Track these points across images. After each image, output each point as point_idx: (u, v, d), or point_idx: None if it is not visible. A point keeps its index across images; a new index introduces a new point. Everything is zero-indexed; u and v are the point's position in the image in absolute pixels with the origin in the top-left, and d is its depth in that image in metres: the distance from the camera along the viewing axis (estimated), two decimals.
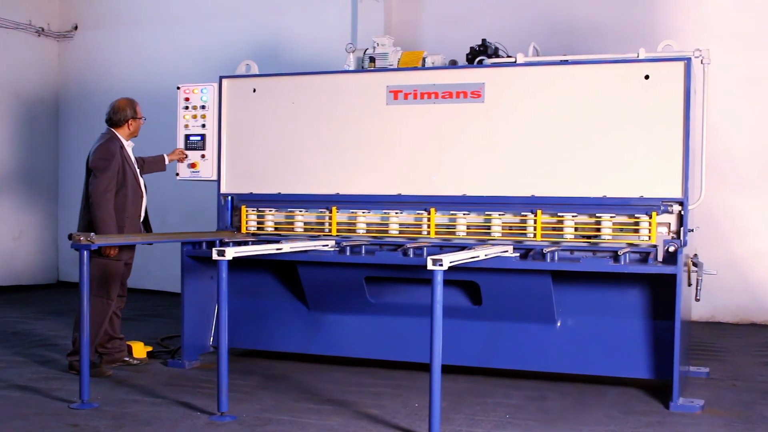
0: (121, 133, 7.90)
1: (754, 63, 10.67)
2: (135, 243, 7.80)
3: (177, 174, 8.46)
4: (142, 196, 7.93)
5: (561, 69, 7.33)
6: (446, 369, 6.07)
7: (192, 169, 8.37)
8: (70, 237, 6.70)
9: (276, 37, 12.56)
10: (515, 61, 7.53)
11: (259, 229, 8.15)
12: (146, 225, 8.10)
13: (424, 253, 7.37)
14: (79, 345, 7.62)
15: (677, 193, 6.91)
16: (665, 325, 6.97)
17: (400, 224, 7.70)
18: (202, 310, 8.22)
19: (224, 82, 8.30)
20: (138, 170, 7.96)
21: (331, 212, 7.87)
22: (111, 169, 7.65)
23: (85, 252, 6.61)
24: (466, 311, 7.57)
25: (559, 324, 7.38)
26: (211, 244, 7.86)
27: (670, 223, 7.00)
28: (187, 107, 8.39)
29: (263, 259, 7.70)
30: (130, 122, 7.94)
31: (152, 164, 8.33)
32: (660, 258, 6.93)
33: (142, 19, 13.92)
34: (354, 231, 7.81)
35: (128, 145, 7.93)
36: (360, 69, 8.10)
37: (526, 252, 7.27)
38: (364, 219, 7.79)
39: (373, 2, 11.85)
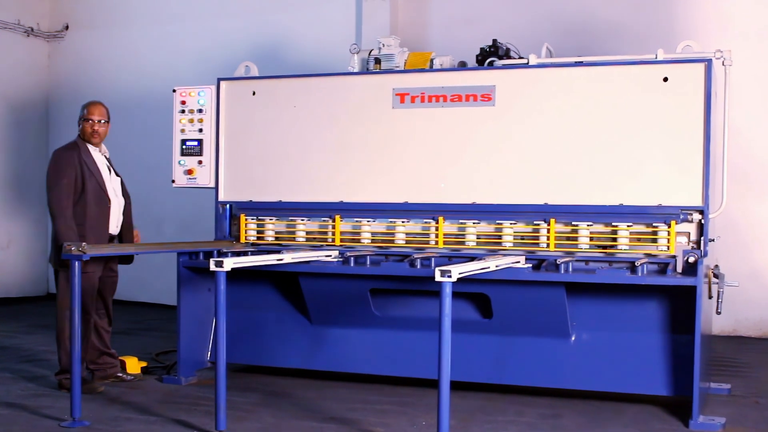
0: (83, 138, 7.89)
1: None
2: (128, 254, 7.82)
3: (173, 181, 8.48)
4: (107, 205, 7.82)
5: (576, 71, 7.35)
6: (455, 385, 6.08)
7: (189, 176, 8.39)
8: (60, 247, 6.73)
9: (277, 37, 12.60)
10: (527, 63, 7.55)
11: (258, 238, 8.17)
12: (126, 236, 8.07)
13: (432, 264, 7.38)
14: (65, 363, 7.66)
15: (697, 201, 6.93)
16: (685, 340, 6.98)
17: (407, 234, 7.72)
18: (199, 324, 8.25)
19: (222, 84, 8.33)
20: (107, 177, 7.87)
21: (334, 221, 7.90)
22: (62, 179, 7.60)
23: (77, 263, 6.64)
24: (475, 325, 7.59)
25: (573, 338, 7.39)
26: (208, 255, 7.89)
27: (689, 233, 7.02)
28: (183, 111, 8.42)
29: (263, 271, 7.72)
30: (82, 125, 7.91)
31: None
32: (679, 269, 6.94)
33: (136, 18, 13.97)
34: (358, 241, 7.83)
35: (94, 150, 7.87)
36: (365, 71, 8.13)
37: (538, 263, 7.28)
38: (369, 228, 7.81)
39: (379, 1, 11.88)
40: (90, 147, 7.84)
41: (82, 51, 14.43)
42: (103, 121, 7.91)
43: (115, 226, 7.92)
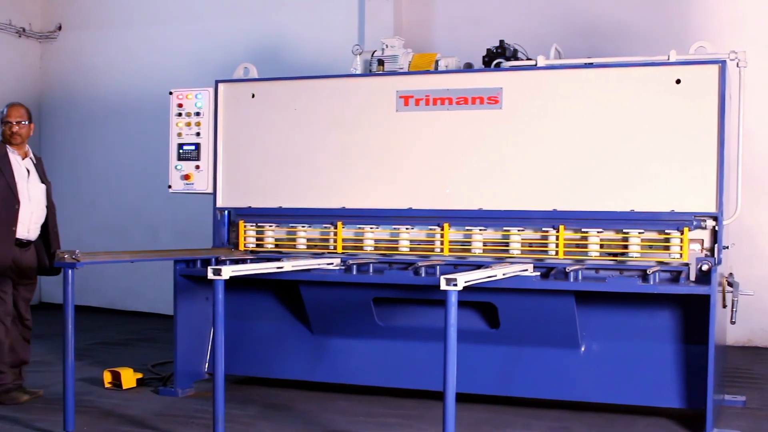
0: (3, 140, 7.88)
1: None
2: (122, 261, 7.82)
3: (169, 186, 8.49)
4: (15, 207, 7.68)
5: (585, 73, 7.37)
6: (461, 397, 6.09)
7: (186, 181, 8.40)
8: (53, 255, 6.74)
9: (276, 38, 12.62)
10: (536, 64, 7.57)
11: (258, 246, 8.19)
12: (46, 243, 7.96)
13: (437, 272, 7.39)
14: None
15: (711, 207, 6.94)
16: (698, 350, 6.99)
17: (411, 241, 7.73)
18: (196, 334, 8.26)
19: (220, 86, 8.35)
20: (23, 179, 7.80)
21: (336, 228, 7.91)
22: None
23: (70, 271, 6.64)
24: (482, 335, 7.59)
25: (583, 349, 7.40)
26: (206, 263, 7.89)
27: (703, 240, 7.02)
28: (180, 114, 8.44)
29: (263, 279, 7.73)
30: (2, 128, 7.89)
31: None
32: (692, 277, 6.95)
33: (131, 18, 13.99)
34: (361, 248, 7.84)
35: (12, 151, 7.82)
36: (368, 73, 8.14)
37: (547, 271, 7.29)
38: (371, 235, 7.82)
39: (382, 0, 11.90)
40: (9, 148, 7.82)
41: (76, 52, 14.44)
42: (22, 122, 7.90)
43: (25, 231, 7.78)
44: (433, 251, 7.67)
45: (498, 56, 7.96)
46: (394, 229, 7.77)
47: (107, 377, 8.31)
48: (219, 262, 7.87)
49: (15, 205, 7.69)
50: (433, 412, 7.28)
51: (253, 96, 8.25)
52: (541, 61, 7.55)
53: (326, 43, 12.15)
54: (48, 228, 7.98)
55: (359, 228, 7.87)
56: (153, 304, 13.38)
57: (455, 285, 5.63)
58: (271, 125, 8.18)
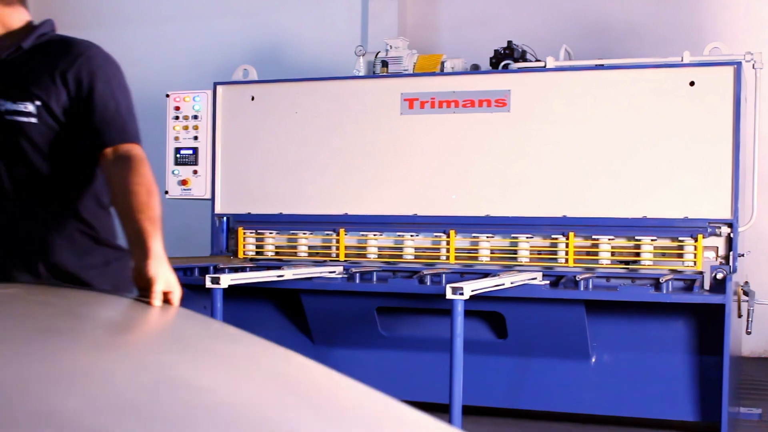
0: None
1: None
2: None
3: (166, 192, 8.49)
4: None
5: (596, 74, 7.37)
6: (467, 410, 6.09)
7: (183, 187, 8.40)
8: None
9: (277, 38, 12.62)
10: (545, 66, 7.57)
11: (258, 253, 8.19)
12: None
13: (443, 281, 7.38)
14: None
15: (726, 214, 6.93)
16: (712, 361, 6.98)
17: (416, 248, 7.73)
18: None
19: (219, 88, 8.35)
20: None
21: (338, 235, 7.91)
22: None
23: None
24: (489, 345, 7.59)
25: (593, 360, 7.39)
26: (204, 271, 7.90)
27: (717, 247, 7.02)
28: (177, 117, 8.44)
29: (262, 288, 7.73)
30: None
31: None
32: (707, 286, 6.95)
33: (127, 17, 13.99)
34: (364, 256, 7.85)
35: None
36: (371, 74, 8.15)
37: (556, 279, 7.29)
38: (375, 242, 7.82)
39: (386, 0, 11.91)
40: None
41: None
42: None
43: None
44: (438, 259, 7.67)
45: (506, 57, 7.96)
46: (399, 236, 7.78)
47: None
48: (217, 270, 7.87)
49: None
50: None
51: (252, 98, 8.25)
52: (551, 63, 7.55)
53: (328, 44, 12.15)
54: None
55: (362, 235, 7.87)
56: None
57: (461, 294, 5.63)
58: (271, 129, 8.18)
